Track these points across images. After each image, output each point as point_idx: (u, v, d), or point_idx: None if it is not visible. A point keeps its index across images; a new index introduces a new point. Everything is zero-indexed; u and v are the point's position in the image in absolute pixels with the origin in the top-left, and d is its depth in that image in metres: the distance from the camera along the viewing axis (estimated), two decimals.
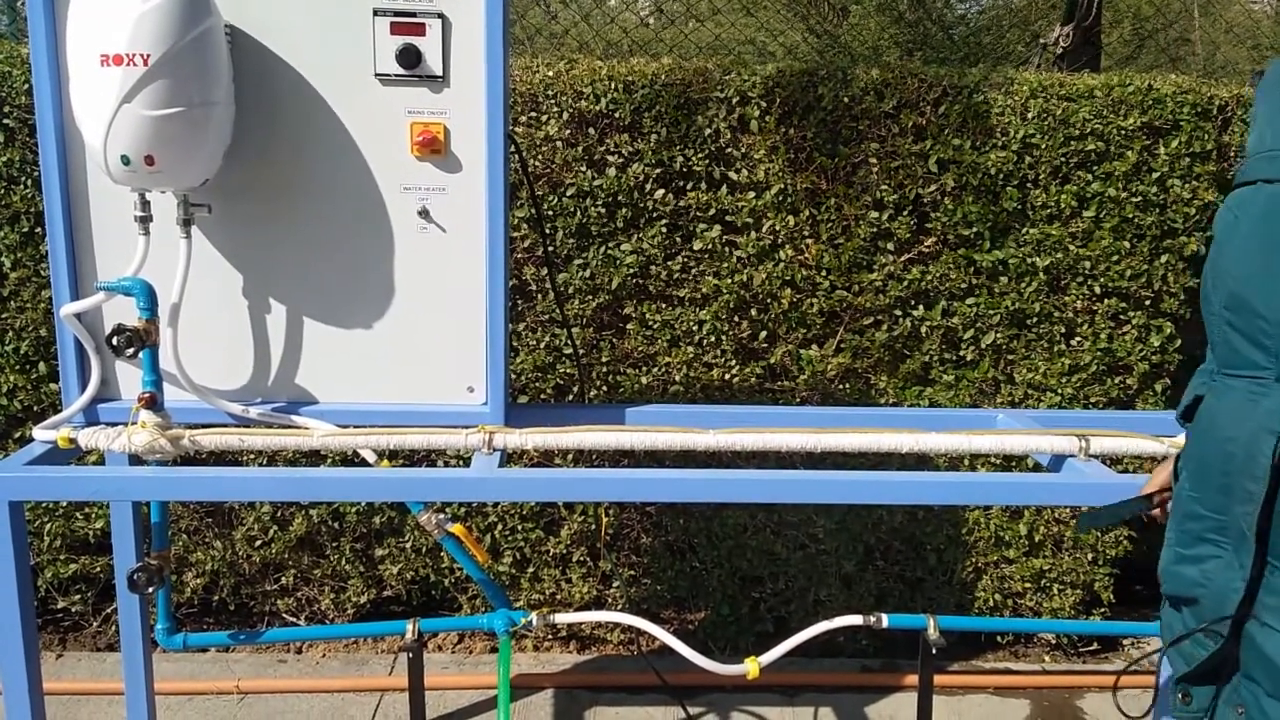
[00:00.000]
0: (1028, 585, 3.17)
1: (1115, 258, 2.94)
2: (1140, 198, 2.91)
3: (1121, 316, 3.00)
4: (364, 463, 2.10)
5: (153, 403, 1.77)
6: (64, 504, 3.01)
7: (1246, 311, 1.20)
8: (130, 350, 1.72)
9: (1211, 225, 1.39)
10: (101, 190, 1.82)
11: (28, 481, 1.70)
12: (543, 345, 2.93)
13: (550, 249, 2.86)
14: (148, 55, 1.58)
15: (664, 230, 2.86)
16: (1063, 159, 2.89)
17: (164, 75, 1.60)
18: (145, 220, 1.78)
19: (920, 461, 2.96)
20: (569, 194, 2.82)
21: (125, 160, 1.64)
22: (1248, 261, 1.21)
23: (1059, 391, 3.00)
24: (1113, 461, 1.95)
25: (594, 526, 3.05)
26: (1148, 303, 2.99)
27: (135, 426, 1.77)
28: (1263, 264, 1.18)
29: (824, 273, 2.91)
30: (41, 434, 1.83)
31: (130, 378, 1.91)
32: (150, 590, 2.13)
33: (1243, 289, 1.20)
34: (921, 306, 2.95)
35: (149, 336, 1.75)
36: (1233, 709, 1.25)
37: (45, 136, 1.77)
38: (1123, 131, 2.88)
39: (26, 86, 2.71)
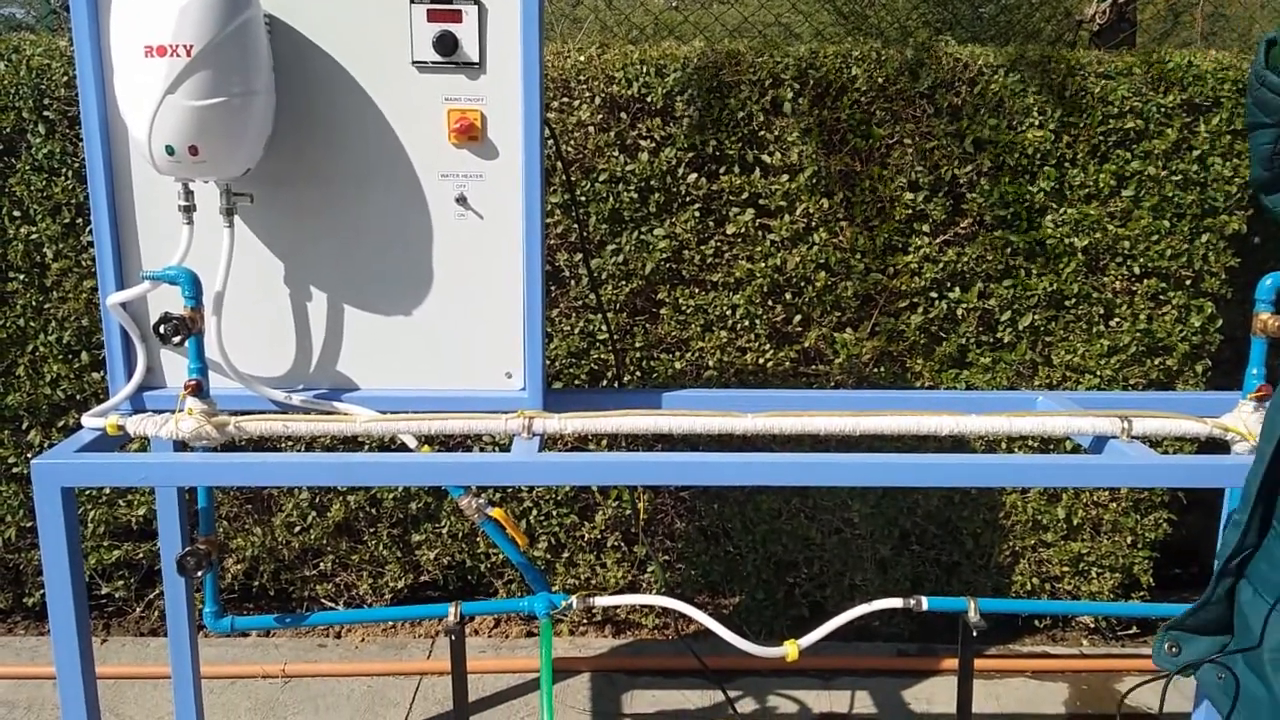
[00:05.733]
0: (1066, 569, 3.15)
1: (1155, 237, 2.90)
2: (1180, 176, 2.86)
3: (1161, 297, 2.96)
4: (403, 448, 2.12)
5: (198, 390, 1.79)
6: (107, 491, 3.06)
7: None
8: (177, 338, 1.74)
9: (1252, 203, 1.40)
10: (145, 181, 1.84)
11: (80, 468, 1.73)
12: (576, 331, 2.93)
13: (584, 234, 2.86)
14: (191, 46, 1.60)
15: (697, 214, 2.86)
16: (1101, 137, 2.85)
17: (207, 66, 1.62)
18: (189, 210, 1.79)
19: (956, 445, 2.94)
20: (601, 179, 2.82)
21: (170, 150, 1.65)
22: None
23: (1098, 373, 2.97)
24: (1154, 443, 1.93)
25: (629, 512, 3.06)
26: (1188, 283, 2.94)
27: (182, 413, 1.79)
28: None
29: (858, 255, 2.89)
30: (90, 421, 1.86)
31: (174, 366, 1.94)
32: (199, 574, 2.16)
33: None
34: (957, 288, 2.93)
35: (194, 324, 1.77)
36: (1216, 669, 1.27)
37: (90, 129, 1.79)
38: (1162, 109, 2.83)
39: (65, 79, 2.74)
